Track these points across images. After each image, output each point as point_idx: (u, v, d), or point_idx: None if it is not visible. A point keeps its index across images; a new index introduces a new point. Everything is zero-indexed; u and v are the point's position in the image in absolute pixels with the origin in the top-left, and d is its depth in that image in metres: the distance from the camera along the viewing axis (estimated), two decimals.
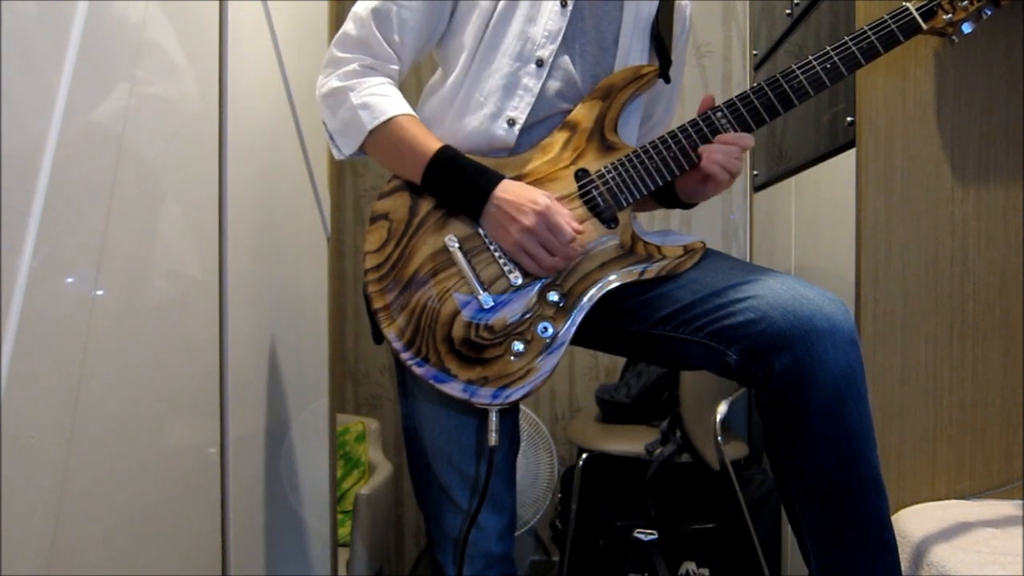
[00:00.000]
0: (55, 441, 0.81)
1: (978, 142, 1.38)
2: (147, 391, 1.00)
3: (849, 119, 1.44)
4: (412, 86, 2.36)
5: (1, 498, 0.72)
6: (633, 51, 1.14)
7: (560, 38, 1.10)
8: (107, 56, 0.92)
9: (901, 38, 1.03)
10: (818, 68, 1.04)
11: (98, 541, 0.89)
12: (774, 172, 2.09)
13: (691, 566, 2.00)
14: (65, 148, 0.82)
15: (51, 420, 0.81)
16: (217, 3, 1.21)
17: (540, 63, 1.10)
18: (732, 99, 1.06)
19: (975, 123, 1.38)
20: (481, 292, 1.05)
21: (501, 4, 1.10)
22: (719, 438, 1.83)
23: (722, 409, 1.84)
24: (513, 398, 1.04)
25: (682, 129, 1.07)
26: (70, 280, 0.85)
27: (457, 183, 1.06)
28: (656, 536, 1.94)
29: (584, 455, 2.08)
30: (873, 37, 1.03)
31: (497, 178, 1.05)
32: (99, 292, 0.89)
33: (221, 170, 1.22)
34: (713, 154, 1.06)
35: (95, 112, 0.89)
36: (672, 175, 1.08)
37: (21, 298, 0.75)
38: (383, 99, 1.08)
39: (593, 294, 1.06)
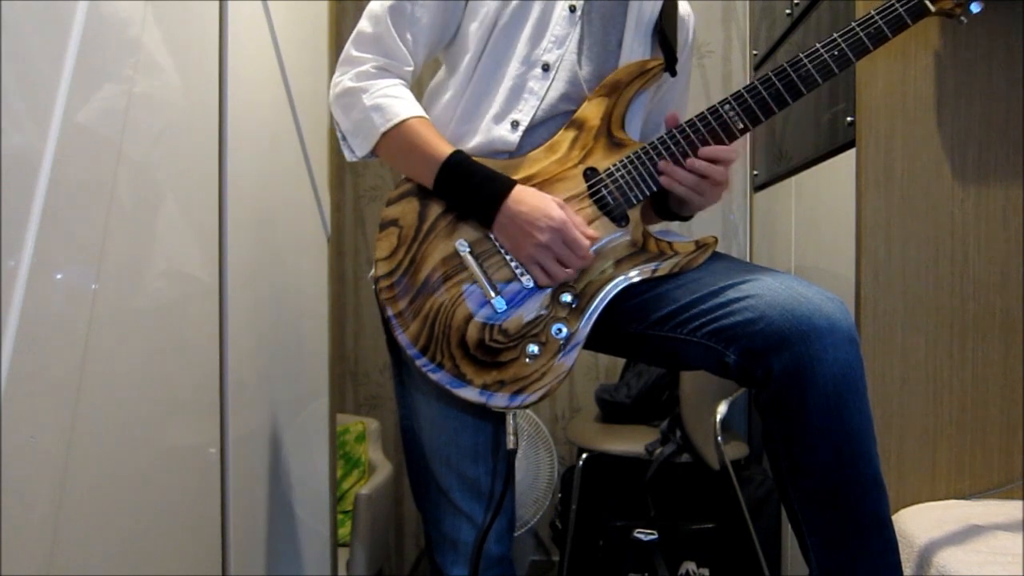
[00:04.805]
0: (55, 441, 0.81)
1: (978, 142, 1.38)
2: (147, 391, 1.00)
3: (849, 119, 1.44)
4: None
5: (1, 498, 0.72)
6: (635, 53, 1.14)
7: (567, 43, 1.10)
8: (106, 56, 0.92)
9: (909, 21, 1.01)
10: (825, 56, 1.02)
11: (98, 541, 0.89)
12: (774, 172, 2.09)
13: (691, 566, 2.00)
14: (64, 148, 0.82)
15: (51, 420, 0.81)
16: (217, 3, 1.21)
17: (547, 67, 1.10)
18: (740, 91, 1.04)
19: (975, 123, 1.38)
20: (494, 295, 1.04)
21: (510, 7, 1.09)
22: (719, 438, 1.83)
23: (722, 409, 1.84)
24: (530, 401, 1.03)
25: (690, 123, 1.06)
26: (70, 280, 0.84)
27: (467, 190, 1.05)
28: (656, 536, 1.94)
29: (584, 455, 2.07)
30: (881, 22, 1.01)
31: (508, 185, 1.04)
32: (99, 292, 0.89)
33: (221, 170, 1.22)
34: (677, 176, 1.05)
35: (94, 112, 0.89)
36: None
37: (21, 298, 0.75)
38: (395, 101, 1.08)
39: (607, 292, 1.05)
